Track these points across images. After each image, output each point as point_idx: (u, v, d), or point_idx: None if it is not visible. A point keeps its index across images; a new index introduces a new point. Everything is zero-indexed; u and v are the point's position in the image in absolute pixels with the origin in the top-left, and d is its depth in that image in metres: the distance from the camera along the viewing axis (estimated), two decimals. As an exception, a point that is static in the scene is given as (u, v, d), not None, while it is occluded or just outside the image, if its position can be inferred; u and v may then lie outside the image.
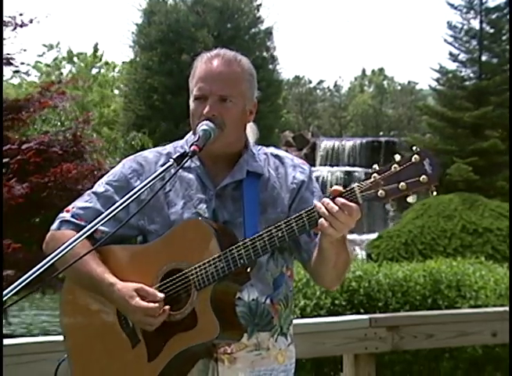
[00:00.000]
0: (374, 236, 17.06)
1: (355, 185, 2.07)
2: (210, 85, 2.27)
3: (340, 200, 2.05)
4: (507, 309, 4.57)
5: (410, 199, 2.02)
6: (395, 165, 2.02)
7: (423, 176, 1.99)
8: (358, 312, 5.42)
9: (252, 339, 2.28)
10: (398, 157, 2.03)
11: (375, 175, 2.04)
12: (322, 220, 2.07)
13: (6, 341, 3.31)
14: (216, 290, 2.17)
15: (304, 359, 5.12)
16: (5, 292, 1.79)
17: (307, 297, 5.57)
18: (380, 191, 2.03)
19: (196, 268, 2.18)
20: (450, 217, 15.51)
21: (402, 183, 2.00)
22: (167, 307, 2.18)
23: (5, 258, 7.38)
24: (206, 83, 2.28)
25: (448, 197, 16.43)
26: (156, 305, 2.16)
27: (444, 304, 5.71)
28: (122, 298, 2.20)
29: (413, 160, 2.00)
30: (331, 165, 30.14)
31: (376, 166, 2.06)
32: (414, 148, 2.03)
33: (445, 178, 19.41)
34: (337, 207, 2.04)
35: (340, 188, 2.10)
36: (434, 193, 2.02)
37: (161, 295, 2.18)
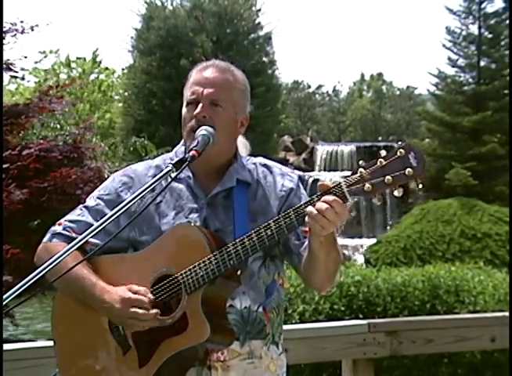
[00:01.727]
0: (373, 241, 17.06)
1: (341, 180, 2.09)
2: (202, 89, 2.32)
3: (328, 197, 2.07)
4: (506, 314, 4.58)
5: (396, 193, 2.05)
6: (381, 160, 2.05)
7: (409, 169, 2.02)
8: (357, 317, 5.42)
9: (245, 347, 2.29)
10: (383, 153, 2.06)
11: (361, 169, 2.07)
12: (308, 218, 2.09)
13: (6, 346, 3.31)
14: (207, 293, 2.17)
15: (303, 364, 5.12)
16: (4, 296, 1.79)
17: (305, 302, 5.56)
18: (367, 185, 2.05)
19: (186, 272, 2.19)
20: (449, 222, 15.51)
21: (388, 177, 2.03)
22: (155, 310, 2.17)
23: (4, 263, 7.38)
24: (198, 87, 2.33)
25: (447, 201, 16.44)
26: (145, 298, 2.17)
27: (443, 309, 5.71)
28: (115, 294, 2.20)
29: (398, 154, 2.04)
30: (330, 170, 30.16)
31: (361, 162, 2.08)
32: (399, 143, 2.07)
33: (443, 183, 19.43)
34: (325, 205, 2.06)
35: (327, 183, 2.12)
36: (420, 186, 2.04)
37: (150, 296, 2.19)
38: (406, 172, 2.01)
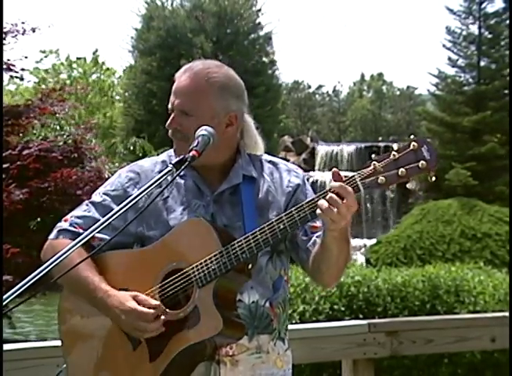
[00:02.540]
0: (373, 241, 17.07)
1: (355, 173, 2.11)
2: (174, 99, 2.36)
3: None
4: (506, 314, 4.58)
5: (409, 185, 2.08)
6: (394, 153, 2.07)
7: (422, 162, 2.05)
8: (357, 318, 5.42)
9: (253, 342, 2.30)
10: (396, 146, 2.08)
11: (374, 162, 2.09)
12: (318, 211, 2.10)
13: (6, 347, 3.31)
14: (218, 286, 2.17)
15: (303, 364, 5.12)
16: (4, 297, 1.79)
17: (306, 302, 5.56)
18: (381, 178, 2.07)
19: (197, 265, 2.19)
20: (449, 222, 15.51)
21: (402, 169, 2.06)
22: (162, 317, 2.17)
23: (4, 263, 7.38)
24: (173, 97, 2.37)
25: (447, 202, 16.45)
26: (151, 310, 2.16)
27: (443, 309, 5.71)
28: (117, 302, 2.19)
29: (411, 147, 2.06)
30: (330, 170, 30.07)
31: (374, 155, 2.11)
32: (412, 136, 2.09)
33: (443, 184, 19.43)
34: (335, 197, 2.08)
35: (341, 175, 2.13)
36: (433, 178, 2.07)
37: (156, 302, 2.18)
38: (420, 165, 2.04)
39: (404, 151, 2.06)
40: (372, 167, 2.08)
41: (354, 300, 5.61)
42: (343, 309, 5.55)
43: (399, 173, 2.05)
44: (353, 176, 2.10)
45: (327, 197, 2.08)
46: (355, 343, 4.04)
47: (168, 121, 2.36)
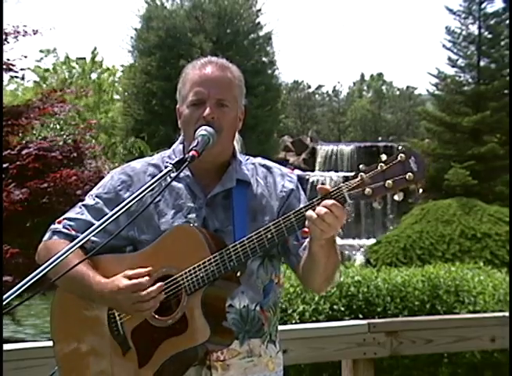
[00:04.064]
0: (373, 241, 17.07)
1: (342, 184, 2.10)
2: (207, 89, 2.29)
3: (328, 202, 2.08)
4: (506, 314, 4.58)
5: (397, 197, 2.07)
6: (381, 164, 2.06)
7: (409, 174, 2.03)
8: (357, 318, 5.42)
9: (244, 346, 2.31)
10: (384, 157, 2.07)
11: (361, 173, 2.07)
12: (308, 222, 2.09)
13: (8, 346, 3.31)
14: (207, 294, 2.18)
15: (303, 364, 5.12)
16: (4, 297, 1.79)
17: (305, 302, 5.57)
18: (367, 189, 2.06)
19: (186, 272, 2.19)
20: (449, 222, 15.51)
21: (389, 181, 2.04)
22: (158, 284, 2.17)
23: (4, 263, 7.38)
24: (203, 87, 2.30)
25: (447, 202, 16.45)
26: (143, 279, 2.17)
27: (442, 309, 5.71)
28: (111, 287, 2.20)
29: (399, 158, 2.05)
30: (330, 170, 30.17)
31: (362, 166, 2.09)
32: (400, 147, 2.07)
33: (443, 183, 19.42)
34: (324, 209, 2.07)
35: (327, 187, 2.13)
36: (421, 191, 2.05)
37: (147, 269, 2.18)
38: (407, 177, 2.03)
39: (391, 163, 2.05)
40: (359, 178, 2.07)
41: (354, 300, 5.62)
42: (343, 309, 5.55)
43: (386, 185, 2.04)
44: (340, 187, 2.09)
45: (316, 210, 2.07)
46: (355, 343, 4.04)
47: (207, 111, 2.26)
